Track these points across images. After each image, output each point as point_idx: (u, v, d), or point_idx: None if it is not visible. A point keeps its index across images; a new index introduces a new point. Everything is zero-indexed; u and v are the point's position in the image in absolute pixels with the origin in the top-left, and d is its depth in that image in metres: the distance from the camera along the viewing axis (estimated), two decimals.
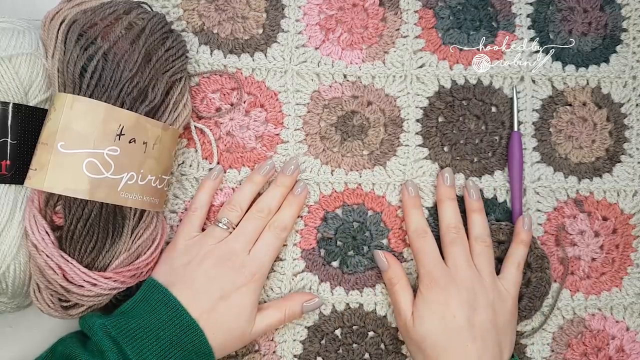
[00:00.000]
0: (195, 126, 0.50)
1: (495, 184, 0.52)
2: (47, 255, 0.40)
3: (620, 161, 0.53)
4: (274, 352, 0.49)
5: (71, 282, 0.40)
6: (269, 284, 0.49)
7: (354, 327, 0.50)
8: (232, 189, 0.50)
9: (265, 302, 0.49)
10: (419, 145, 0.52)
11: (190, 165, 0.50)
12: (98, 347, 0.39)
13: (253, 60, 0.51)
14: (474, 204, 0.49)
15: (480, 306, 0.44)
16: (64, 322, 0.47)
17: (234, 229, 0.46)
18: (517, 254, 0.48)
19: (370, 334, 0.50)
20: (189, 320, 0.41)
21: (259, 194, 0.49)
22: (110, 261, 0.42)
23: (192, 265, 0.44)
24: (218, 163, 0.50)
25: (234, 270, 0.44)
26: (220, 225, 0.46)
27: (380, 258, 0.48)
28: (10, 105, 0.40)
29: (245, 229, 0.46)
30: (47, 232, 0.40)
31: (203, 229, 0.47)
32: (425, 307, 0.44)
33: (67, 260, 0.40)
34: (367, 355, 0.50)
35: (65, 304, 0.42)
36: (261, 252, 0.45)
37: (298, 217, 0.50)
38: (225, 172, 0.50)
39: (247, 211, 0.47)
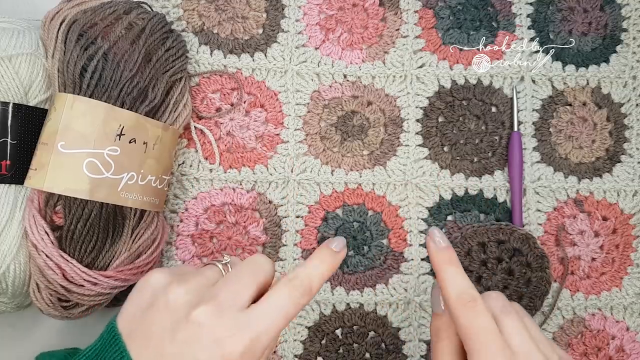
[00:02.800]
0: (195, 126, 0.50)
1: (495, 184, 0.52)
2: (46, 255, 0.40)
3: (620, 161, 0.53)
4: (274, 351, 0.49)
5: (71, 282, 0.40)
6: None
7: (354, 327, 0.50)
8: (233, 189, 0.50)
9: None
10: (419, 145, 0.52)
11: (191, 165, 0.50)
12: None
13: (253, 60, 0.51)
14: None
15: None
16: (64, 322, 0.47)
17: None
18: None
19: (371, 333, 0.50)
20: None
21: None
22: (111, 261, 0.42)
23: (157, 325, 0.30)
24: (219, 163, 0.50)
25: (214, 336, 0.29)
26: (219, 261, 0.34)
27: (434, 299, 0.36)
28: (10, 105, 0.40)
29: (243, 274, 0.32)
30: (46, 232, 0.40)
31: None
32: None
33: (67, 260, 0.40)
34: (367, 355, 0.50)
35: (65, 304, 0.42)
36: (265, 314, 0.30)
37: (298, 218, 0.50)
38: (225, 172, 0.50)
39: None
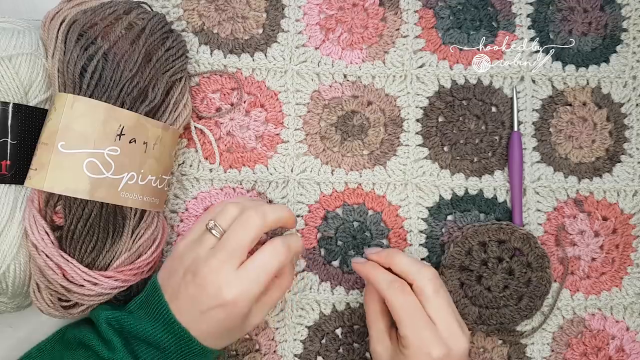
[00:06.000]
0: (195, 126, 0.50)
1: (495, 184, 0.52)
2: (46, 255, 0.40)
3: (620, 161, 0.53)
4: (274, 351, 0.49)
5: (72, 282, 0.40)
6: None
7: (354, 326, 0.50)
8: (233, 189, 0.50)
9: None
10: (419, 145, 0.52)
11: (191, 165, 0.50)
12: (105, 337, 0.40)
13: (253, 60, 0.51)
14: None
15: None
16: (64, 322, 0.47)
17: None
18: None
19: None
20: (179, 329, 0.40)
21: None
22: (111, 261, 0.42)
23: (179, 276, 0.40)
24: (220, 163, 0.50)
25: (210, 294, 0.39)
26: (212, 231, 0.41)
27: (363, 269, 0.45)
28: (10, 105, 0.40)
29: (232, 240, 0.40)
30: (47, 232, 0.40)
31: None
32: None
33: (67, 260, 0.40)
34: (367, 355, 0.50)
35: (65, 304, 0.42)
36: (250, 274, 0.39)
37: (298, 217, 0.50)
38: (225, 172, 0.50)
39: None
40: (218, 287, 0.38)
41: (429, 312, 0.41)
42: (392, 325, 0.44)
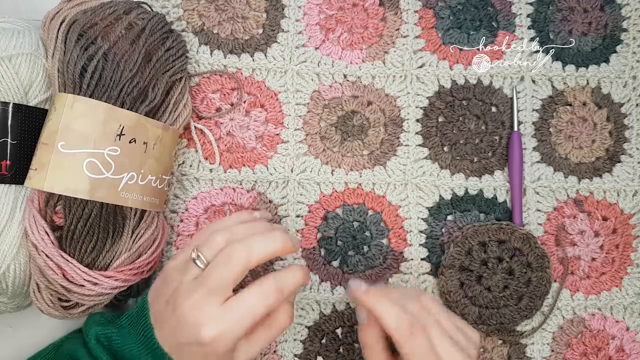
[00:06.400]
0: (195, 126, 0.50)
1: (495, 184, 0.52)
2: (47, 255, 0.40)
3: (620, 161, 0.53)
4: (274, 351, 0.49)
5: (72, 282, 0.40)
6: None
7: (354, 326, 0.50)
8: (233, 189, 0.50)
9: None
10: (419, 145, 0.52)
11: (191, 166, 0.50)
12: (94, 354, 0.39)
13: (253, 60, 0.51)
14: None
15: None
16: (64, 322, 0.47)
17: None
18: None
19: None
20: (161, 356, 0.38)
21: None
22: (111, 261, 0.42)
23: (162, 304, 0.38)
24: (220, 163, 0.50)
25: (189, 327, 0.36)
26: (196, 262, 0.38)
27: (360, 313, 0.41)
28: (10, 105, 0.40)
29: (215, 275, 0.37)
30: (47, 232, 0.40)
31: None
32: None
33: (68, 260, 0.40)
34: None
35: (65, 304, 0.42)
36: (234, 312, 0.36)
37: (298, 217, 0.50)
38: (225, 172, 0.50)
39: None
40: (196, 325, 0.36)
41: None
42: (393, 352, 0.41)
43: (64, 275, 0.40)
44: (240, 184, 0.50)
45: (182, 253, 0.40)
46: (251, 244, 0.37)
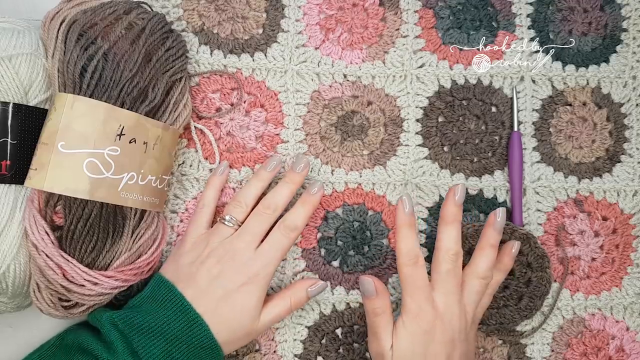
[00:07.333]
0: (195, 126, 0.50)
1: (495, 184, 0.52)
2: (47, 255, 0.40)
3: (620, 161, 0.53)
4: (274, 351, 0.49)
5: (72, 282, 0.40)
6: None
7: (354, 326, 0.50)
8: (233, 189, 0.50)
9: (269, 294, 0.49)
10: (419, 145, 0.52)
11: (191, 166, 0.50)
12: (107, 339, 0.40)
13: (253, 60, 0.51)
14: (492, 238, 0.46)
15: (458, 341, 0.43)
16: (64, 322, 0.47)
17: (239, 226, 0.45)
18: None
19: None
20: (194, 316, 0.41)
21: (266, 192, 0.48)
22: (111, 261, 0.42)
23: (197, 263, 0.44)
24: (220, 163, 0.50)
25: (236, 269, 0.43)
26: (225, 222, 0.45)
27: (368, 285, 0.44)
28: (10, 105, 0.40)
29: (250, 227, 0.45)
30: (47, 232, 0.40)
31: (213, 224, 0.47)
32: (408, 341, 0.43)
33: (68, 260, 0.40)
34: (367, 355, 0.50)
35: (65, 304, 0.42)
36: (267, 252, 0.44)
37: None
38: None
39: (253, 208, 0.46)
40: (243, 263, 0.43)
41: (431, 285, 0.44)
42: None
43: (64, 275, 0.40)
44: (240, 184, 0.50)
45: (193, 225, 0.47)
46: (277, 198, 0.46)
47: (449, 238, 0.45)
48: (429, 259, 0.51)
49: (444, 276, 0.44)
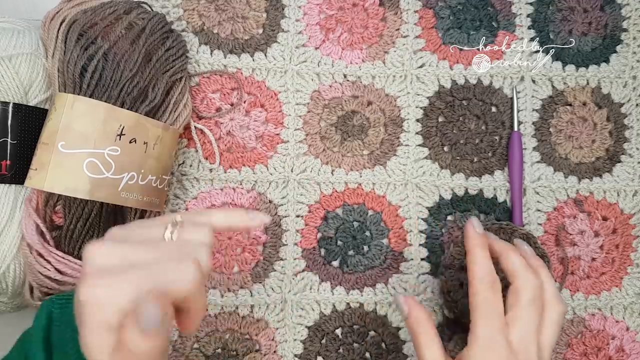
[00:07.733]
0: (195, 126, 0.50)
1: (495, 184, 0.52)
2: (39, 254, 0.40)
3: (620, 161, 0.53)
4: (274, 351, 0.49)
5: (69, 282, 0.40)
6: (269, 284, 0.49)
7: (354, 326, 0.50)
8: (233, 189, 0.50)
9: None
10: (419, 145, 0.52)
11: (191, 165, 0.50)
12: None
13: (253, 60, 0.51)
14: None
15: None
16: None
17: None
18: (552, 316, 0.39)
19: (371, 333, 0.50)
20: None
21: None
22: None
23: None
24: (220, 163, 0.50)
25: None
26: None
27: (400, 304, 0.41)
28: (10, 105, 0.40)
29: None
30: (42, 232, 0.40)
31: None
32: None
33: (63, 258, 0.40)
34: (367, 355, 0.50)
35: None
36: None
37: (298, 217, 0.50)
38: (225, 172, 0.50)
39: None
40: None
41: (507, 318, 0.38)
42: None
43: (60, 273, 0.40)
44: (240, 184, 0.50)
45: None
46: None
47: (482, 264, 0.40)
48: (428, 259, 0.51)
49: (525, 305, 0.38)
